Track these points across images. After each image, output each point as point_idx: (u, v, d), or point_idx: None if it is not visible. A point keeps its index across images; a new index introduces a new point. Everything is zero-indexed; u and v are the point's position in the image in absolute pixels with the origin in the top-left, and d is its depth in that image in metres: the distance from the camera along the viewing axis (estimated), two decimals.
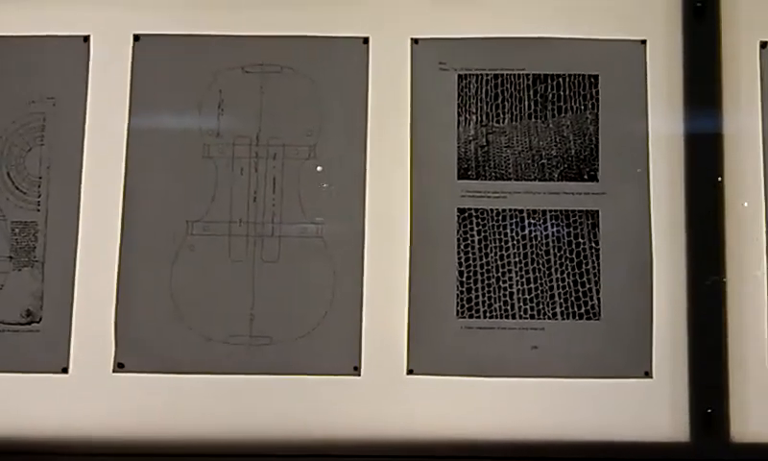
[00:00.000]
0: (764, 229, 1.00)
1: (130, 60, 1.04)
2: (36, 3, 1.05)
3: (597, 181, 1.03)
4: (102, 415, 0.99)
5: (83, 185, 1.02)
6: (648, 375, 0.99)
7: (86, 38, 1.05)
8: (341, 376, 0.99)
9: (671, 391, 1.00)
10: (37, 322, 1.01)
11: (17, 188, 1.03)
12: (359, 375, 0.99)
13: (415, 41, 1.05)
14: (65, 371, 1.00)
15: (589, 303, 1.01)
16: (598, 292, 1.01)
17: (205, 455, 0.98)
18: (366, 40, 1.05)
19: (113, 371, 1.00)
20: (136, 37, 1.05)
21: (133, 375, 0.99)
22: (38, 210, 1.03)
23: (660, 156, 1.03)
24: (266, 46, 1.05)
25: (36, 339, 1.00)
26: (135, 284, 1.01)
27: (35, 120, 1.04)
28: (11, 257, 1.02)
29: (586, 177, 1.03)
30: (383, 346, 1.00)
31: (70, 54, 1.04)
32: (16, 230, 1.02)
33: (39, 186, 1.03)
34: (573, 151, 1.03)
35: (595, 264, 1.01)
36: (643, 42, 1.04)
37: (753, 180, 1.02)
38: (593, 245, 1.02)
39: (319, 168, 1.03)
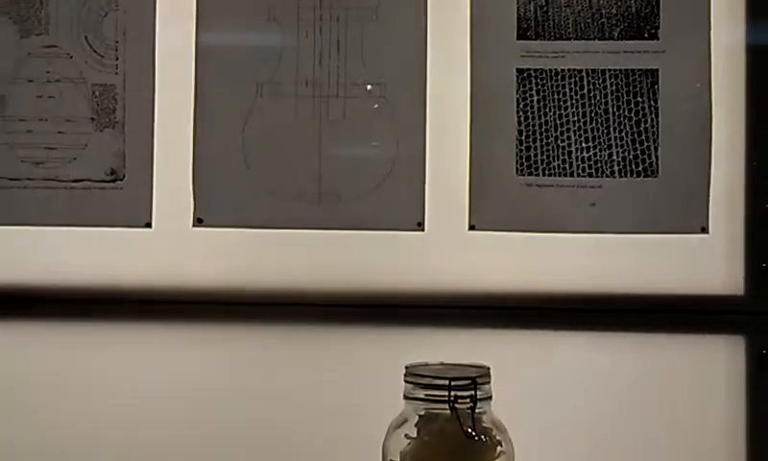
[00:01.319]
0: None
1: None
2: None
3: (658, 39, 1.03)
4: (183, 267, 1.07)
5: (156, 49, 1.06)
6: (705, 230, 1.01)
7: None
8: (405, 231, 1.05)
9: (727, 246, 1.02)
10: (121, 179, 1.07)
11: (96, 52, 1.08)
12: (423, 230, 1.04)
13: None
14: (149, 225, 1.06)
15: (647, 160, 1.03)
16: (656, 150, 1.02)
17: (279, 304, 1.06)
18: None
19: (193, 225, 1.06)
20: None
21: (211, 229, 1.06)
22: (116, 73, 1.07)
23: (722, 14, 1.03)
24: None
25: (120, 196, 1.07)
26: (210, 143, 1.06)
27: None
28: (92, 119, 1.08)
29: (646, 35, 1.03)
30: (446, 202, 1.04)
31: None
32: (96, 93, 1.08)
33: (116, 50, 1.08)
34: (634, 9, 1.03)
35: (654, 122, 1.02)
36: None
37: None
38: (652, 103, 1.03)
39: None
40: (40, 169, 1.08)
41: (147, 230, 1.07)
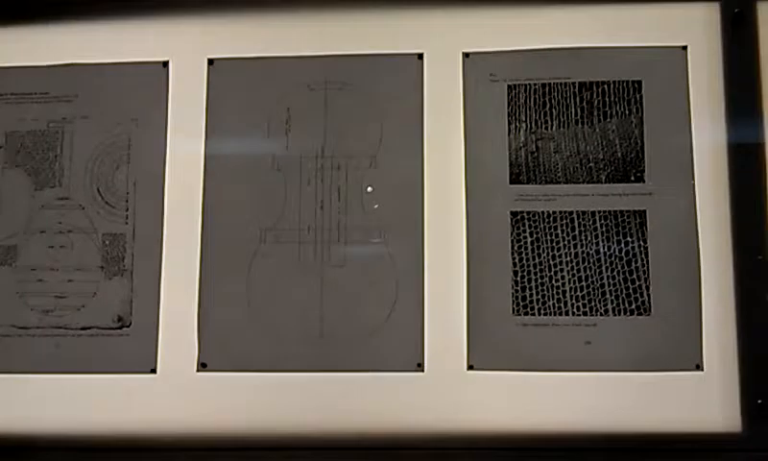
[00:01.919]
0: None
1: (205, 82, 1.13)
2: (120, 32, 1.15)
3: (644, 181, 1.08)
4: (188, 411, 1.08)
5: (165, 199, 1.11)
6: (699, 367, 1.03)
7: (165, 64, 1.14)
8: (405, 372, 1.06)
9: (722, 383, 1.03)
10: (128, 326, 1.10)
11: (107, 203, 1.13)
12: (422, 371, 1.06)
13: (466, 55, 1.12)
14: (153, 371, 1.09)
15: (640, 299, 1.06)
16: (648, 288, 1.06)
17: (280, 448, 1.07)
18: (420, 56, 1.12)
19: (197, 370, 1.08)
20: (210, 61, 1.14)
21: (215, 374, 1.08)
22: (126, 223, 1.12)
23: (705, 157, 1.07)
24: (328, 65, 1.13)
25: (126, 342, 1.10)
26: (215, 290, 1.09)
27: (121, 140, 1.14)
28: (102, 267, 1.12)
29: (632, 178, 1.08)
30: (444, 343, 1.06)
31: (151, 78, 1.14)
32: (107, 242, 1.12)
33: (127, 201, 1.12)
34: (619, 154, 1.09)
35: (644, 262, 1.06)
36: (684, 48, 1.09)
37: None
38: (642, 243, 1.07)
39: (369, 188, 1.12)
40: (50, 317, 1.11)
41: (152, 375, 1.09)
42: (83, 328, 1.10)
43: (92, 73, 1.15)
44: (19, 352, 1.10)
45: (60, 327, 1.10)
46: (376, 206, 1.11)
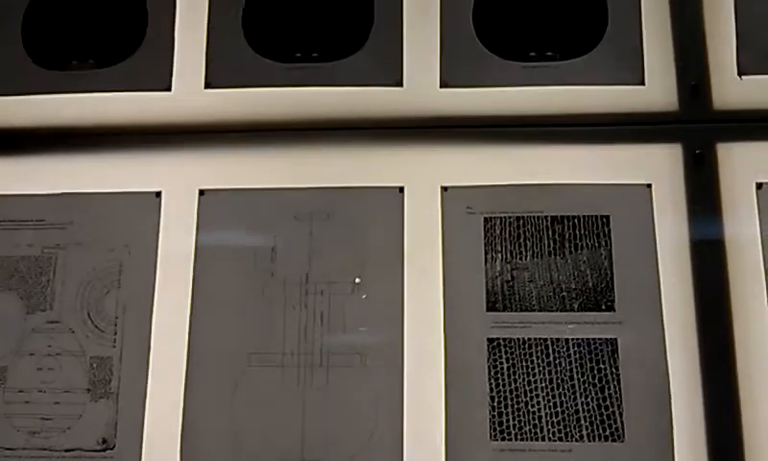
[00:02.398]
0: None
1: (195, 211, 1.20)
2: (114, 164, 1.24)
3: (614, 310, 1.13)
4: None
5: (153, 323, 1.16)
6: None
7: (158, 194, 1.22)
8: None
9: None
10: (111, 448, 1.13)
11: (96, 327, 1.18)
12: None
13: (444, 189, 1.19)
14: None
15: (613, 425, 1.10)
16: (621, 415, 1.10)
17: None
18: (401, 189, 1.20)
19: None
20: (201, 192, 1.22)
21: None
22: (114, 346, 1.17)
23: (671, 288, 1.13)
24: (314, 196, 1.20)
25: None
26: (199, 413, 1.13)
27: (112, 266, 1.20)
28: (88, 390, 1.15)
29: (603, 307, 1.14)
30: None
31: (144, 207, 1.21)
32: (94, 365, 1.16)
33: (116, 325, 1.17)
34: (590, 284, 1.15)
35: (617, 388, 1.10)
36: (649, 186, 1.17)
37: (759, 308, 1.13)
38: (614, 370, 1.11)
39: (364, 296, 1.17)
40: (36, 438, 1.14)
41: None
42: (67, 450, 1.13)
43: (86, 202, 1.22)
44: None
45: (46, 449, 1.13)
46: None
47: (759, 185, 1.16)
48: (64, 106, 1.25)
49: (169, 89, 1.26)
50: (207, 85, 1.26)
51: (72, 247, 1.20)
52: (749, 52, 1.20)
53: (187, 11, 1.29)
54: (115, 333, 1.17)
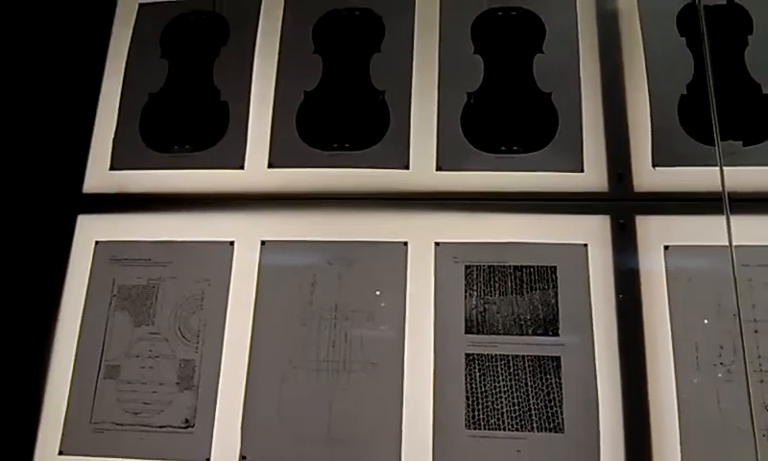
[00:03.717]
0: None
1: (258, 256, 1.64)
2: (202, 220, 1.68)
3: (558, 336, 1.53)
4: None
5: (225, 337, 1.59)
6: None
7: (232, 243, 1.66)
8: None
9: None
10: (192, 426, 1.55)
11: (184, 337, 1.61)
12: None
13: (437, 244, 1.61)
14: (208, 460, 1.52)
15: (556, 420, 1.48)
16: (562, 413, 1.48)
17: None
18: (406, 243, 1.61)
19: (238, 460, 1.51)
20: (263, 242, 1.65)
21: None
22: (196, 352, 1.60)
23: (600, 320, 1.52)
24: (342, 248, 1.63)
25: (190, 438, 1.54)
26: (256, 402, 1.54)
27: (197, 293, 1.63)
28: (177, 383, 1.58)
29: (550, 333, 1.53)
30: (416, 447, 1.48)
31: (221, 252, 1.65)
32: (182, 365, 1.59)
33: (198, 337, 1.61)
34: (541, 316, 1.55)
35: (559, 393, 1.49)
36: (585, 245, 1.57)
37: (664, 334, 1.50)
38: (557, 380, 1.50)
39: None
40: (138, 417, 1.57)
41: None
42: (160, 427, 1.56)
43: (181, 247, 1.67)
44: (115, 442, 1.55)
45: (146, 425, 1.56)
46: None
47: (666, 247, 1.55)
48: (168, 178, 1.72)
49: (242, 168, 1.71)
50: (270, 166, 1.71)
51: (169, 280, 1.65)
52: (660, 150, 1.61)
53: (257, 111, 1.74)
54: (198, 342, 1.60)
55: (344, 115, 1.73)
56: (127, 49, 1.85)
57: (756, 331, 1.48)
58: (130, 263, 1.68)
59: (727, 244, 1.46)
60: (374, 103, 1.72)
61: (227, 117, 1.75)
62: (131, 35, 1.87)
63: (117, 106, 1.80)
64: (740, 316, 1.46)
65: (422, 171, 1.66)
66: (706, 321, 1.49)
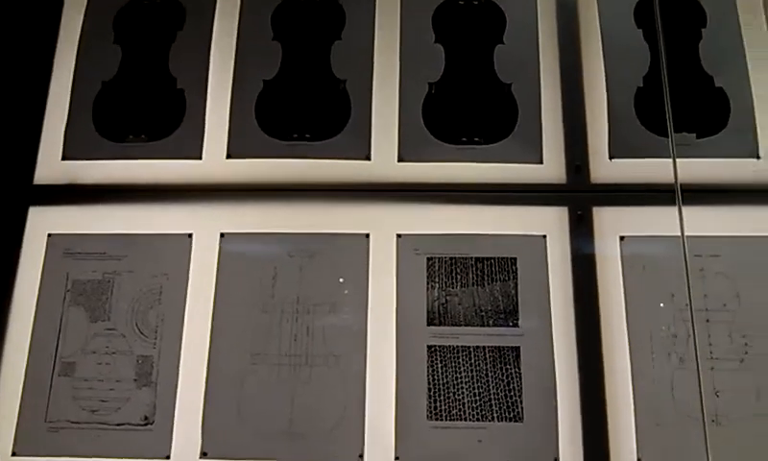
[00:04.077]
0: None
1: (217, 249, 1.61)
2: (159, 212, 1.64)
3: (518, 326, 1.55)
4: None
5: (184, 331, 1.57)
6: (556, 460, 1.47)
7: (190, 235, 1.63)
8: None
9: None
10: (151, 424, 1.52)
11: (142, 333, 1.58)
12: (363, 460, 1.48)
13: (399, 236, 1.61)
14: (168, 458, 1.50)
15: (515, 410, 1.51)
16: (522, 403, 1.50)
17: None
18: (367, 235, 1.61)
19: (200, 457, 1.50)
20: (222, 235, 1.63)
21: (213, 460, 1.50)
22: (154, 348, 1.57)
23: (558, 309, 1.55)
24: (303, 240, 1.62)
25: (149, 435, 1.52)
26: (216, 398, 1.53)
27: (155, 288, 1.60)
28: (135, 380, 1.55)
29: (510, 324, 1.56)
30: (379, 439, 1.49)
31: (179, 245, 1.62)
32: (140, 361, 1.56)
33: (156, 332, 1.58)
34: (501, 306, 1.57)
35: (519, 383, 1.52)
36: (544, 237, 1.59)
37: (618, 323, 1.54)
38: (517, 370, 1.53)
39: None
40: (95, 415, 1.53)
41: (166, 460, 1.50)
42: (118, 425, 1.53)
43: (137, 240, 1.63)
44: (72, 441, 1.52)
45: (103, 423, 1.52)
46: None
47: (622, 237, 1.59)
48: (122, 169, 1.67)
49: (200, 158, 1.68)
50: (228, 156, 1.68)
51: (125, 274, 1.61)
52: (616, 142, 1.64)
53: (214, 100, 1.71)
54: (156, 338, 1.57)
55: (304, 105, 1.71)
56: (78, 34, 1.78)
57: (707, 320, 1.54)
58: (84, 257, 1.63)
59: (676, 234, 1.51)
60: (335, 92, 1.70)
61: (183, 106, 1.71)
62: (82, 19, 1.80)
63: (69, 93, 1.74)
64: (691, 305, 1.51)
65: (384, 162, 1.66)
66: (661, 306, 1.54)
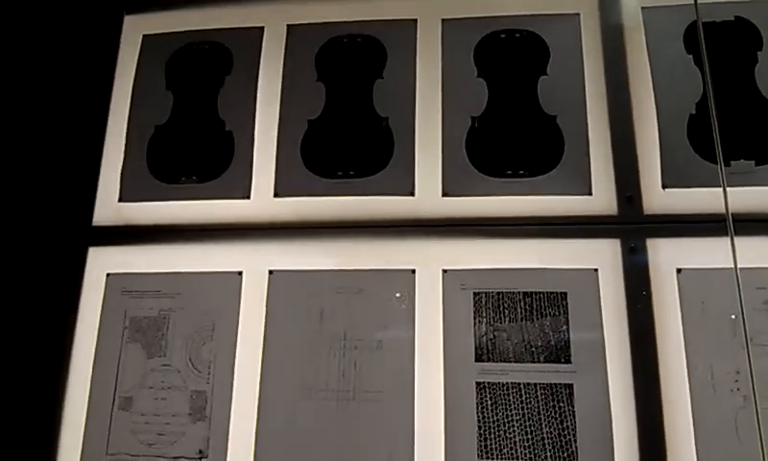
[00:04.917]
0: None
1: (266, 286, 1.64)
2: (210, 251, 1.68)
3: (571, 363, 1.51)
4: None
5: (236, 368, 1.60)
6: None
7: (240, 273, 1.66)
8: None
9: None
10: (206, 457, 1.56)
11: (195, 368, 1.62)
12: None
13: (444, 271, 1.60)
14: None
15: (569, 449, 1.47)
16: (575, 441, 1.47)
17: None
18: (413, 271, 1.61)
19: None
20: (270, 272, 1.66)
21: None
22: (208, 383, 1.61)
23: (613, 345, 1.50)
24: (350, 276, 1.63)
25: None
26: (266, 431, 1.55)
27: (207, 324, 1.65)
28: (190, 414, 1.60)
29: (562, 360, 1.52)
30: None
31: (230, 282, 1.66)
32: (194, 396, 1.61)
33: (209, 368, 1.62)
34: (553, 342, 1.53)
35: (572, 422, 1.48)
36: (596, 270, 1.55)
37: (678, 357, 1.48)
38: (570, 408, 1.49)
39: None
40: (152, 448, 1.59)
41: None
42: (175, 458, 1.57)
43: (190, 278, 1.68)
44: None
45: (159, 457, 1.57)
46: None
47: (679, 270, 1.53)
48: (175, 209, 1.73)
49: (249, 198, 1.71)
50: (276, 195, 1.71)
51: (179, 310, 1.66)
52: (669, 171, 1.58)
53: (261, 141, 1.75)
54: (209, 373, 1.61)
55: (348, 142, 1.72)
56: (132, 80, 1.86)
57: None
58: (140, 295, 1.69)
59: (739, 267, 1.44)
60: (378, 129, 1.72)
61: (232, 147, 1.76)
62: (135, 65, 1.88)
63: (124, 138, 1.81)
64: (747, 338, 1.43)
65: (428, 197, 1.65)
66: (722, 341, 1.47)
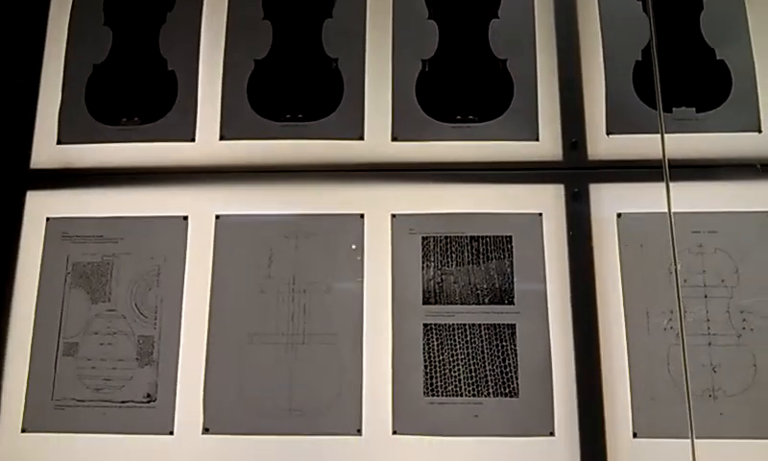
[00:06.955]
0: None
1: (213, 230, 1.62)
2: (154, 195, 1.64)
3: (514, 304, 1.56)
4: None
5: (183, 311, 1.59)
6: (552, 434, 1.49)
7: (185, 217, 1.64)
8: (348, 435, 1.51)
9: (568, 446, 1.49)
10: (154, 401, 1.56)
11: (142, 314, 1.61)
12: (361, 435, 1.51)
13: (393, 216, 1.61)
14: (171, 433, 1.54)
15: (511, 385, 1.53)
16: (517, 378, 1.52)
17: None
18: (362, 215, 1.61)
19: (202, 433, 1.54)
20: (217, 216, 1.63)
21: (215, 436, 1.53)
22: (155, 328, 1.60)
23: (554, 286, 1.55)
24: (298, 221, 1.62)
25: (152, 412, 1.56)
26: (215, 376, 1.56)
27: (153, 269, 1.62)
28: (137, 359, 1.59)
29: (506, 302, 1.56)
30: (376, 415, 1.52)
31: (175, 227, 1.63)
32: (141, 341, 1.59)
33: (156, 313, 1.60)
34: (497, 285, 1.57)
35: (514, 360, 1.53)
36: (540, 214, 1.59)
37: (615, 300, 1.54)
38: (512, 347, 1.54)
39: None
40: (99, 393, 1.57)
41: (170, 436, 1.54)
42: (122, 402, 1.57)
43: (134, 223, 1.64)
44: (78, 418, 1.56)
45: (107, 401, 1.57)
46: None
47: (619, 215, 1.58)
48: (117, 152, 1.67)
49: (193, 140, 1.67)
50: (222, 138, 1.67)
51: (124, 256, 1.63)
52: (614, 117, 1.61)
53: (206, 81, 1.69)
54: (155, 319, 1.60)
55: (296, 84, 1.69)
56: (68, 17, 1.76)
57: (705, 296, 1.54)
58: (82, 240, 1.65)
59: (675, 211, 1.49)
60: (327, 71, 1.69)
61: (175, 88, 1.70)
62: (71, 1, 1.78)
63: (61, 78, 1.73)
64: (677, 279, 1.50)
65: (378, 142, 1.65)
66: (657, 282, 1.54)
